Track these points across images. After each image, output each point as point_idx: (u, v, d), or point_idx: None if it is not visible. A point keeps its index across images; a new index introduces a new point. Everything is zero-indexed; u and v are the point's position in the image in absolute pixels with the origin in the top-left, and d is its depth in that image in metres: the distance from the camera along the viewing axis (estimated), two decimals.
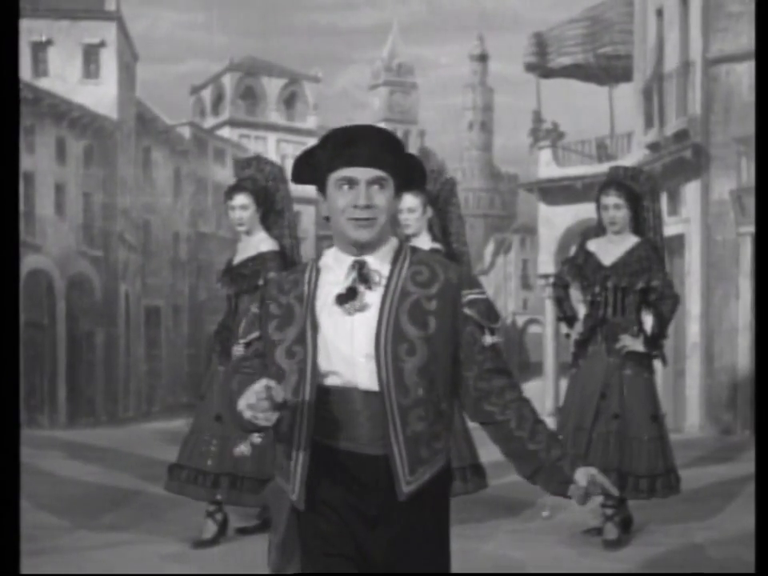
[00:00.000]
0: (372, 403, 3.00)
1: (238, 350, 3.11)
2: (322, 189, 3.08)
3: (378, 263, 3.06)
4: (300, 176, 3.15)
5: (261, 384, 2.83)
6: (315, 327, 3.03)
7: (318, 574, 3.05)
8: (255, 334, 3.11)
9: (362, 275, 3.03)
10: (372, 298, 3.03)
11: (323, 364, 3.01)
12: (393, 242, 3.12)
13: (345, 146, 3.01)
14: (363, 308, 3.02)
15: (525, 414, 3.07)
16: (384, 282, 3.05)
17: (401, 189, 3.09)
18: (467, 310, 3.06)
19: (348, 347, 3.01)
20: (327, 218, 3.11)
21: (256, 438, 3.06)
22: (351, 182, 3.00)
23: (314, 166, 3.08)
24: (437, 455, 3.08)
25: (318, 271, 3.10)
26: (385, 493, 3.02)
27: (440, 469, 3.09)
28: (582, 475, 3.01)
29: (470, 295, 3.07)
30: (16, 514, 3.75)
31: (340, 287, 3.04)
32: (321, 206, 3.19)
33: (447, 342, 3.05)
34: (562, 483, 3.04)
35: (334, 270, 3.08)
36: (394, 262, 3.08)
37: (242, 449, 2.80)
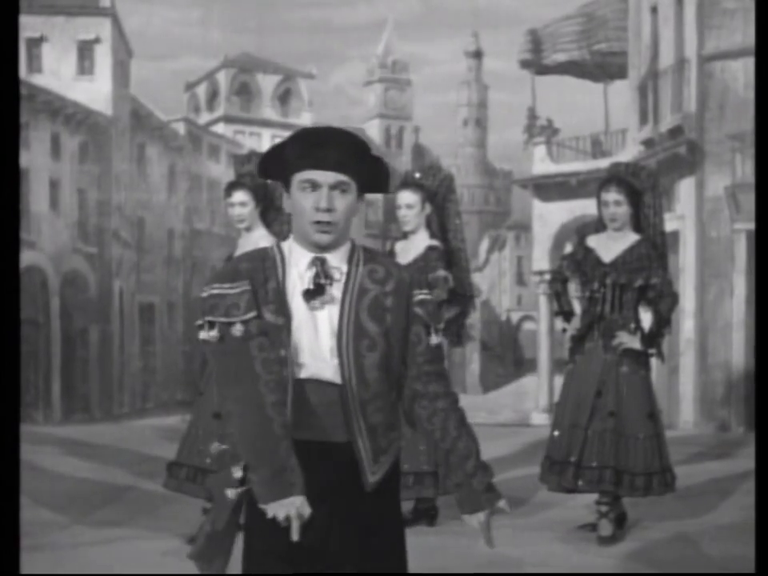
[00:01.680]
0: (334, 394, 3.08)
1: (236, 330, 3.06)
2: (286, 186, 3.13)
3: (337, 261, 3.12)
4: (267, 171, 3.21)
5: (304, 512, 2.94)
6: (289, 319, 3.09)
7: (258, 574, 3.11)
8: (253, 313, 3.08)
9: (324, 271, 3.10)
10: (334, 293, 3.10)
11: (295, 355, 3.08)
12: (348, 243, 3.17)
13: (312, 147, 3.06)
14: (329, 303, 3.09)
15: (448, 427, 3.14)
16: (343, 279, 3.11)
17: (363, 191, 3.15)
18: (417, 309, 3.14)
19: (314, 341, 3.08)
20: (289, 213, 3.16)
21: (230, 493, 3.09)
22: (314, 185, 3.05)
23: (280, 163, 3.13)
24: (392, 444, 3.17)
25: (283, 261, 3.15)
26: (347, 481, 3.09)
27: (396, 458, 3.19)
28: (469, 518, 3.19)
29: (420, 295, 3.15)
30: (16, 514, 3.74)
31: (303, 282, 3.10)
32: (285, 203, 3.17)
33: (400, 339, 3.13)
34: (462, 503, 3.19)
35: (296, 263, 3.14)
36: (350, 260, 3.14)
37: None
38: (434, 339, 3.15)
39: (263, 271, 3.11)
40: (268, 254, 3.17)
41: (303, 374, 3.08)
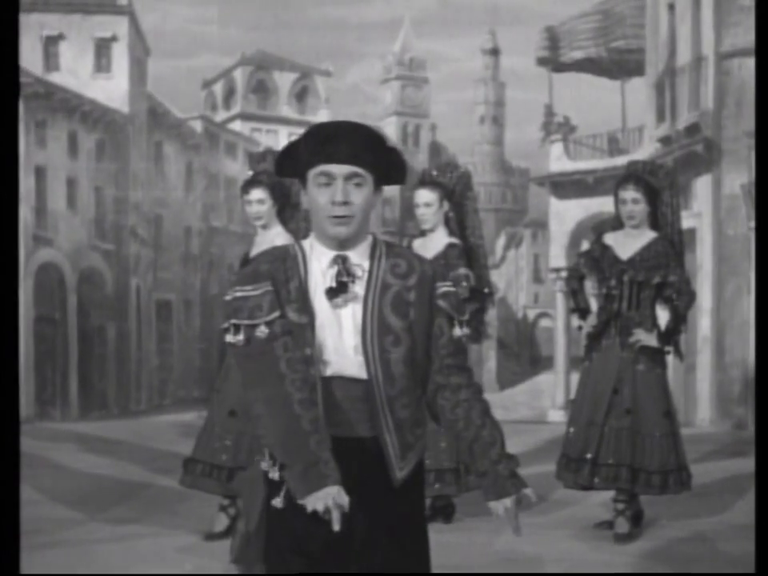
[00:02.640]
0: (360, 391, 3.08)
1: (261, 332, 3.07)
2: (303, 183, 3.13)
3: (358, 258, 3.12)
4: (283, 169, 3.21)
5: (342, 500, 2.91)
6: (313, 318, 3.08)
7: (282, 574, 3.09)
8: (276, 313, 3.09)
9: (346, 269, 3.09)
10: (357, 290, 3.09)
11: (318, 354, 3.08)
12: (369, 238, 3.16)
13: (324, 142, 3.05)
14: (352, 300, 3.08)
15: (472, 416, 3.13)
16: (365, 276, 3.10)
17: (380, 184, 3.14)
18: (440, 302, 3.13)
19: (338, 339, 3.08)
20: (308, 211, 3.17)
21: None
22: (329, 178, 3.04)
23: (295, 160, 3.13)
24: (419, 441, 3.17)
25: (305, 260, 3.14)
26: (374, 476, 3.09)
27: (421, 454, 3.19)
28: (495, 504, 3.18)
29: (443, 288, 3.14)
30: (16, 514, 3.73)
31: (325, 280, 3.10)
32: (303, 199, 3.17)
33: (424, 332, 3.12)
34: (487, 490, 3.17)
35: (317, 261, 3.13)
36: (372, 256, 3.13)
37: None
38: (458, 331, 3.14)
39: (284, 271, 3.11)
40: (289, 253, 3.16)
41: (328, 372, 3.08)
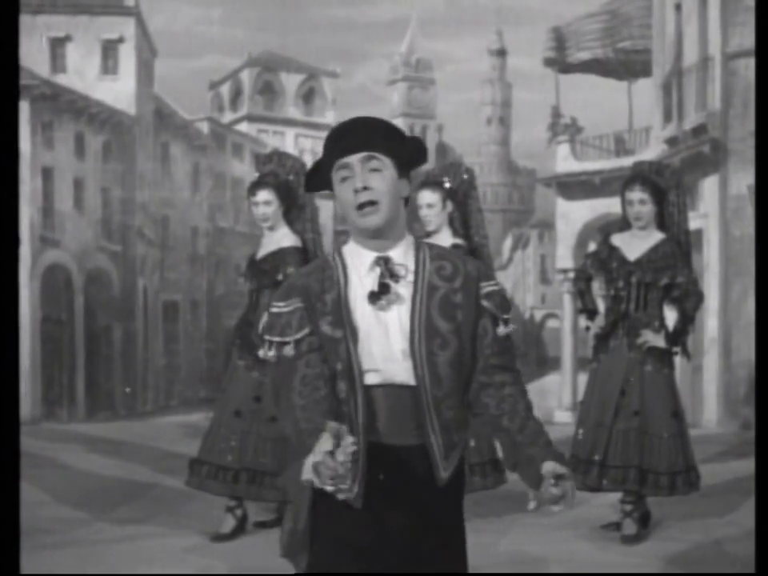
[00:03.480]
0: (408, 396, 3.06)
1: (287, 350, 3.08)
2: (333, 190, 3.12)
3: (401, 257, 3.09)
4: (312, 185, 3.21)
5: (347, 447, 2.80)
6: (354, 326, 3.05)
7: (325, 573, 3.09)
8: (306, 330, 3.08)
9: (389, 270, 3.06)
10: (401, 292, 3.06)
11: (364, 363, 3.04)
12: (410, 238, 3.14)
13: (337, 140, 3.06)
14: (396, 302, 3.05)
15: (518, 408, 3.11)
16: (411, 276, 3.07)
17: (404, 169, 3.11)
18: (485, 302, 3.11)
19: (385, 345, 3.05)
20: (343, 217, 3.12)
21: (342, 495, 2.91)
22: (347, 170, 3.03)
23: (320, 172, 3.13)
24: (461, 441, 3.15)
25: (345, 268, 3.11)
26: (418, 481, 3.08)
27: (462, 453, 3.17)
28: (548, 469, 3.02)
29: (487, 287, 3.12)
30: (16, 514, 3.73)
31: (367, 284, 3.07)
32: (336, 205, 3.14)
33: (470, 334, 3.10)
34: (536, 476, 3.04)
35: (357, 267, 3.09)
36: (416, 258, 3.11)
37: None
38: (502, 330, 3.12)
39: (322, 282, 3.08)
40: (329, 263, 3.13)
41: (375, 380, 3.05)
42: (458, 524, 3.21)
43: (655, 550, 6.39)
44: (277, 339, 3.09)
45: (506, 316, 3.14)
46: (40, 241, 17.34)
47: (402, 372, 3.04)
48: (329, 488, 2.82)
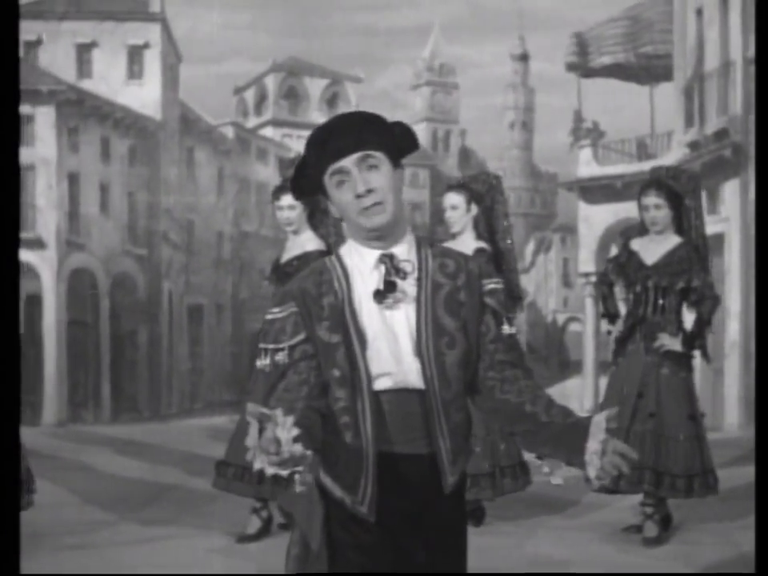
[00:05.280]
0: (416, 400, 2.96)
1: (280, 356, 2.96)
2: (324, 193, 3.00)
3: (405, 253, 2.98)
4: (301, 191, 3.10)
5: (279, 424, 2.61)
6: (360, 330, 2.94)
7: None
8: (301, 336, 2.96)
9: (395, 267, 2.95)
10: (408, 290, 2.96)
11: (374, 367, 2.93)
12: (411, 236, 3.03)
13: (325, 142, 2.93)
14: (404, 300, 2.95)
15: (540, 394, 2.99)
16: (416, 273, 2.97)
17: (396, 159, 2.98)
18: (487, 299, 3.01)
19: (394, 346, 2.95)
20: (340, 219, 3.01)
21: (298, 486, 2.82)
22: (343, 174, 2.91)
23: (307, 176, 3.01)
24: (467, 444, 3.08)
25: (345, 269, 3.00)
26: (427, 489, 3.00)
27: (468, 458, 3.10)
28: (595, 441, 2.82)
29: (489, 285, 3.03)
30: (16, 514, 3.76)
31: (371, 283, 2.96)
32: (330, 209, 3.07)
33: (475, 332, 3.01)
34: (574, 449, 2.86)
35: (359, 267, 2.99)
36: (419, 255, 3.01)
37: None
38: (507, 329, 3.02)
39: (319, 285, 2.98)
40: (326, 267, 3.02)
41: (385, 385, 2.95)
42: (461, 529, 3.13)
43: (676, 552, 6.40)
44: (271, 346, 2.97)
45: (510, 315, 3.05)
46: (66, 245, 17.42)
47: (411, 374, 2.94)
48: (278, 471, 2.63)
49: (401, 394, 2.95)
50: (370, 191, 2.90)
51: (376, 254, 2.97)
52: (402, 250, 2.98)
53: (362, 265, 2.98)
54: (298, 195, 3.14)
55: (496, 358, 3.01)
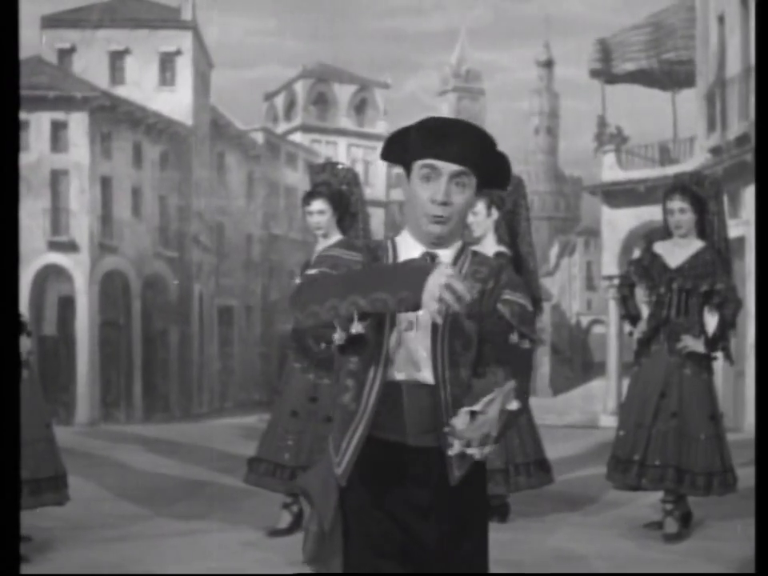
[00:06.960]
0: (428, 395, 3.01)
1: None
2: (407, 171, 3.05)
3: (448, 257, 3.05)
4: (390, 154, 3.13)
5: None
6: (394, 316, 3.00)
7: (363, 573, 3.06)
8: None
9: None
10: None
11: (394, 357, 3.02)
12: (459, 243, 3.09)
13: (436, 137, 2.96)
14: None
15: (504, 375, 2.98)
16: None
17: (482, 186, 3.05)
18: (500, 306, 3.04)
19: (412, 340, 3.01)
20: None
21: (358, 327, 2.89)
22: (434, 172, 2.96)
23: (404, 148, 3.04)
24: None
25: (396, 255, 3.09)
26: (436, 482, 3.05)
27: None
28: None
29: (507, 295, 3.04)
30: (16, 514, 3.90)
31: None
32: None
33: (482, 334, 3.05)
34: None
35: (406, 257, 3.06)
36: (457, 259, 3.06)
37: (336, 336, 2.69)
38: (513, 338, 3.02)
39: (375, 255, 3.07)
40: (382, 245, 3.11)
41: (402, 376, 3.02)
42: (481, 523, 3.16)
43: (696, 548, 6.49)
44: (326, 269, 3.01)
45: (522, 329, 3.03)
46: (99, 248, 17.54)
47: (424, 369, 3.00)
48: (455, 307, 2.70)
49: (415, 385, 3.01)
50: (445, 203, 2.96)
51: (422, 249, 3.05)
52: (445, 253, 3.04)
53: (407, 256, 3.06)
54: (384, 156, 3.15)
55: (492, 358, 3.03)
